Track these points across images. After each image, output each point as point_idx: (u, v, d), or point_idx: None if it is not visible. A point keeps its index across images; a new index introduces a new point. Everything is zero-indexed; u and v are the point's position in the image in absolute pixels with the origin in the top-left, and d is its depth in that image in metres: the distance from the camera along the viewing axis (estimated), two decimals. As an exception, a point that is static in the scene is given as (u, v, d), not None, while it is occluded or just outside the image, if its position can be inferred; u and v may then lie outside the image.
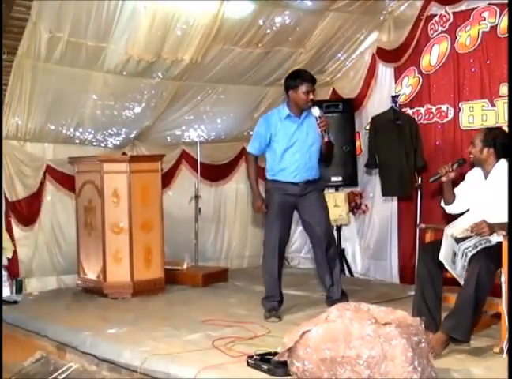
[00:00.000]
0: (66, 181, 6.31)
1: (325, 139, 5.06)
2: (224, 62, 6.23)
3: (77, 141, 6.29)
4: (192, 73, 6.14)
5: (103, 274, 5.86)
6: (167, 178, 6.88)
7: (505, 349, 4.01)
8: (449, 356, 4.02)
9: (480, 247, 4.18)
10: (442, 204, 4.66)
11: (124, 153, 6.62)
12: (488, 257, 4.07)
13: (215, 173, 7.31)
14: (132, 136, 6.57)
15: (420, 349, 3.38)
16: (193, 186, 6.89)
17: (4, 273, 5.91)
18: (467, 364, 3.86)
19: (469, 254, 4.15)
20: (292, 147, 5.07)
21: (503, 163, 4.41)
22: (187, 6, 5.47)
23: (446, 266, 4.12)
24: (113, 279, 5.86)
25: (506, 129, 4.98)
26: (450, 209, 4.61)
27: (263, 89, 6.89)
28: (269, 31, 6.09)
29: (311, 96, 5.02)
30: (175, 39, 5.66)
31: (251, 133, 6.98)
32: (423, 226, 4.70)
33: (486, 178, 4.46)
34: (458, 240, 4.20)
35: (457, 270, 4.15)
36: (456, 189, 4.61)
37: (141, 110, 6.24)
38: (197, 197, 6.87)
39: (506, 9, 5.71)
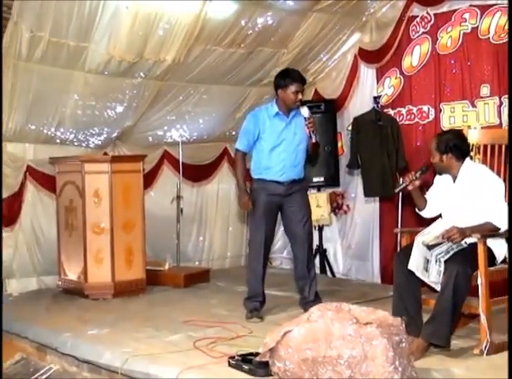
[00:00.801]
0: (47, 182, 6.27)
1: (313, 140, 5.05)
2: (206, 62, 6.22)
3: (58, 141, 6.25)
4: (174, 73, 6.12)
5: (84, 275, 5.82)
6: (149, 179, 6.86)
7: (485, 351, 4.03)
8: (429, 356, 4.03)
9: (452, 252, 4.16)
10: (417, 210, 4.68)
11: (105, 153, 6.58)
12: (464, 261, 4.06)
13: (197, 173, 7.30)
14: (113, 136, 6.54)
15: (401, 349, 3.39)
16: (175, 187, 6.86)
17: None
18: (447, 364, 3.88)
19: (443, 259, 4.14)
20: (280, 145, 5.06)
21: (469, 164, 4.41)
22: (169, 6, 5.45)
23: (418, 274, 4.11)
24: (94, 280, 5.83)
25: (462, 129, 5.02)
26: (425, 214, 4.63)
27: (245, 89, 6.89)
28: (251, 31, 6.09)
29: (300, 96, 5.02)
30: (157, 39, 5.64)
31: (234, 133, 7.02)
32: (397, 230, 4.71)
33: (454, 182, 4.45)
34: (430, 247, 4.19)
35: (431, 277, 4.13)
36: (427, 194, 4.62)
37: (123, 110, 6.21)
38: (178, 197, 6.85)
39: (488, 11, 5.77)
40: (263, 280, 5.18)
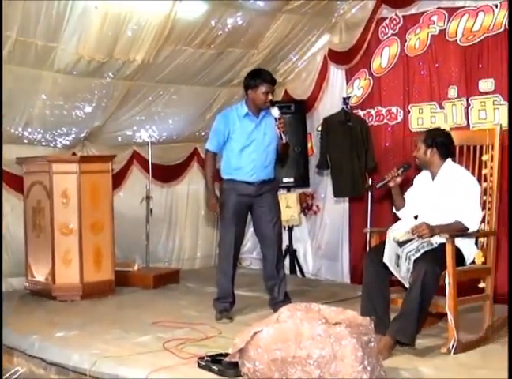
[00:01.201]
0: (14, 182, 6.19)
1: (284, 140, 5.05)
2: (176, 63, 6.19)
3: (26, 141, 6.18)
4: (144, 73, 6.09)
5: (52, 276, 5.76)
6: (118, 179, 6.81)
7: (452, 349, 4.08)
8: (398, 355, 4.07)
9: (422, 250, 4.20)
10: (394, 209, 4.71)
11: (74, 153, 6.53)
12: (433, 260, 4.11)
13: (167, 174, 7.27)
14: (82, 136, 6.49)
15: (370, 348, 3.41)
16: (145, 187, 6.82)
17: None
18: (416, 363, 3.92)
19: (413, 258, 4.18)
20: (250, 146, 5.05)
21: (449, 164, 4.47)
22: (139, 6, 5.42)
23: (391, 268, 4.16)
24: (62, 282, 5.77)
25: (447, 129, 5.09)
26: (402, 214, 4.66)
27: (216, 90, 6.87)
28: (221, 32, 6.08)
29: (270, 97, 5.02)
30: (126, 39, 5.60)
31: (203, 133, 7.00)
32: (367, 230, 4.75)
33: (433, 180, 4.52)
34: (400, 243, 4.23)
35: (402, 273, 4.18)
36: (406, 195, 4.66)
37: (92, 110, 6.16)
38: (148, 197, 6.81)
39: (456, 13, 5.83)
40: (233, 281, 5.18)
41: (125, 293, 6.13)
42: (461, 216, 4.28)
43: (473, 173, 4.56)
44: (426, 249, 4.21)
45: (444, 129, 4.73)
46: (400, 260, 4.20)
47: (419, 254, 4.18)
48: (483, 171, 4.57)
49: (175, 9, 5.56)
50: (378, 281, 4.27)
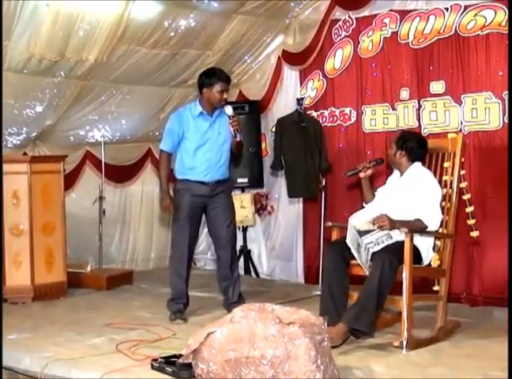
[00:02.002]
0: (-37, 183, 6.07)
1: (238, 138, 5.06)
2: (129, 63, 6.14)
3: (-25, 141, 6.07)
4: (97, 72, 6.02)
5: (2, 278, 5.66)
6: (71, 179, 6.74)
7: (404, 343, 4.14)
8: (350, 354, 4.11)
9: (381, 245, 4.30)
10: (364, 203, 4.81)
11: (25, 153, 6.42)
12: (392, 253, 4.21)
13: (120, 174, 7.21)
14: (33, 135, 6.39)
15: (323, 348, 3.43)
16: (98, 187, 6.76)
17: None
18: (368, 361, 3.96)
19: (371, 250, 4.28)
20: (204, 145, 5.04)
21: (417, 166, 4.60)
22: (92, 6, 5.36)
23: (352, 251, 4.27)
24: (12, 283, 5.66)
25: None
26: (369, 207, 4.74)
27: (170, 90, 6.84)
28: (175, 32, 6.05)
29: (225, 96, 5.02)
30: (79, 38, 5.53)
31: (157, 133, 6.96)
32: (329, 224, 4.80)
33: (400, 177, 4.65)
34: (361, 232, 4.33)
35: (362, 259, 4.29)
36: (377, 191, 4.79)
37: (43, 109, 6.06)
38: (101, 198, 6.75)
39: (407, 16, 5.91)
40: (187, 282, 5.16)
41: (77, 295, 6.06)
42: (422, 215, 4.39)
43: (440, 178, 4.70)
44: (385, 243, 4.30)
45: (419, 135, 4.88)
46: (360, 248, 4.30)
47: (378, 248, 4.28)
48: (444, 178, 4.69)
49: (129, 9, 5.51)
50: (337, 271, 4.37)
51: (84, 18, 5.39)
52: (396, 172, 4.73)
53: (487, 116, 5.51)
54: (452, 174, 4.65)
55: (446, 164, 4.69)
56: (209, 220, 5.23)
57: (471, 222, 4.85)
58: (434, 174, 4.67)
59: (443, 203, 4.63)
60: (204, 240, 7.41)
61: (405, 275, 4.19)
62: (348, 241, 4.27)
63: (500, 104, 5.42)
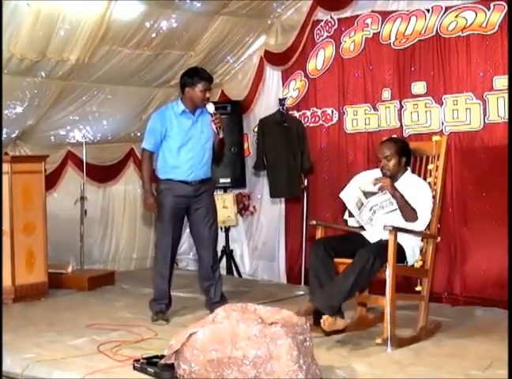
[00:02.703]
0: None
1: (220, 135, 5.03)
2: (112, 63, 6.11)
3: (-45, 141, 6.01)
4: (78, 73, 5.99)
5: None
6: (53, 179, 6.70)
7: (387, 341, 4.17)
8: (332, 353, 4.13)
9: (385, 209, 4.43)
10: (346, 216, 4.78)
11: (6, 153, 6.35)
12: (377, 252, 4.26)
13: (103, 174, 7.18)
14: (14, 135, 6.34)
15: (305, 348, 3.44)
16: (80, 187, 6.73)
17: None
18: (350, 361, 3.97)
19: (377, 212, 4.44)
20: (187, 144, 5.02)
21: (409, 173, 4.68)
22: (73, 5, 5.33)
23: (348, 206, 4.49)
24: (-7, 284, 5.64)
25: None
26: (351, 222, 4.78)
27: (152, 91, 6.82)
28: (158, 33, 6.03)
29: (208, 95, 5.01)
30: (60, 38, 5.49)
31: (139, 134, 6.94)
32: (314, 222, 4.80)
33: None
34: (366, 193, 4.45)
35: (362, 217, 4.48)
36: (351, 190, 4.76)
37: (24, 109, 6.02)
38: (82, 198, 6.71)
39: (389, 17, 5.94)
40: (170, 283, 5.15)
41: (59, 295, 6.02)
42: (416, 207, 4.46)
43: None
44: (388, 209, 4.43)
45: (400, 138, 4.94)
46: (363, 207, 4.46)
47: (382, 211, 4.44)
48: (428, 180, 4.72)
49: (111, 10, 5.48)
50: (324, 264, 4.40)
51: (65, 18, 5.36)
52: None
53: (467, 117, 5.54)
54: (436, 176, 4.69)
55: (430, 166, 4.73)
56: (192, 221, 5.21)
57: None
58: (418, 176, 4.75)
59: None
60: (186, 240, 7.39)
61: (388, 272, 4.22)
62: (345, 196, 4.46)
63: (481, 105, 5.46)
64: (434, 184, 4.69)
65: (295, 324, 3.48)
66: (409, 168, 4.71)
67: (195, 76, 5.02)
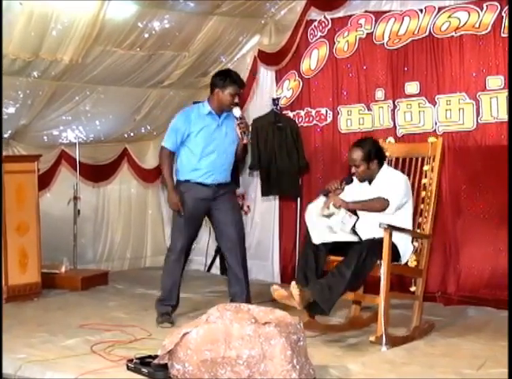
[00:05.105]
0: None
1: (245, 140, 4.99)
2: (105, 64, 6.08)
3: None
4: (72, 73, 5.96)
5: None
6: (47, 179, 6.69)
7: (382, 340, 4.18)
8: (326, 353, 4.13)
9: (348, 224, 4.47)
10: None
11: (-2, 153, 6.36)
12: (371, 248, 4.28)
13: (97, 173, 7.17)
14: (7, 135, 6.32)
15: (299, 347, 3.44)
16: (73, 187, 6.71)
17: None
18: (343, 360, 3.99)
19: (347, 224, 4.47)
20: (210, 146, 4.95)
21: (386, 168, 4.68)
22: (67, 5, 5.31)
23: (327, 239, 4.44)
24: (-15, 284, 5.62)
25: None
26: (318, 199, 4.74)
27: (145, 91, 6.79)
28: (152, 33, 6.01)
29: (237, 100, 4.95)
30: (53, 38, 5.47)
31: (132, 134, 6.94)
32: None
33: (370, 184, 4.67)
34: (328, 216, 4.47)
35: (340, 234, 4.47)
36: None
37: (17, 109, 6.00)
38: (75, 198, 6.70)
39: (382, 17, 5.94)
40: (179, 284, 5.08)
41: (52, 295, 6.01)
42: (385, 194, 4.47)
43: (414, 182, 4.78)
44: (351, 222, 4.47)
45: (369, 137, 4.92)
46: (333, 229, 4.47)
47: (348, 226, 4.47)
48: (423, 181, 4.75)
49: (104, 10, 5.46)
50: (315, 253, 4.43)
51: (58, 18, 5.34)
52: (356, 180, 4.73)
53: (461, 117, 5.56)
54: (431, 177, 4.71)
55: (425, 167, 4.76)
56: (215, 223, 5.13)
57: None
58: (414, 178, 4.77)
59: (421, 205, 4.74)
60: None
61: (383, 270, 4.24)
62: (317, 239, 4.40)
63: (474, 105, 5.47)
64: (430, 185, 4.71)
65: (289, 324, 3.48)
66: (385, 164, 4.70)
67: (227, 78, 4.94)
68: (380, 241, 4.29)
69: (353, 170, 4.63)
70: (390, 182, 4.53)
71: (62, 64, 5.74)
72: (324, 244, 4.44)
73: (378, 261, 4.27)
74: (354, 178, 4.69)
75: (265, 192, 6.65)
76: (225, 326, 3.41)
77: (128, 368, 3.77)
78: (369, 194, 4.57)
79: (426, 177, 4.74)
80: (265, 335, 3.35)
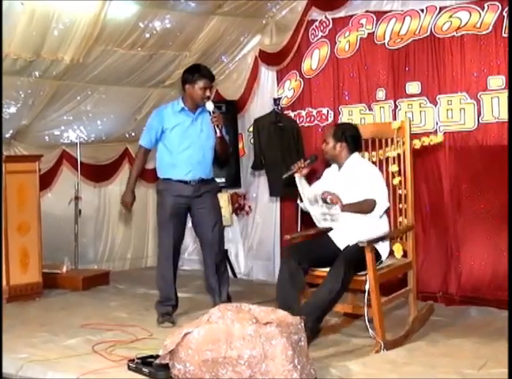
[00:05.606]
0: None
1: (218, 133, 4.96)
2: (106, 64, 6.09)
3: (-51, 140, 5.99)
4: (73, 73, 5.97)
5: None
6: (48, 179, 6.70)
7: (381, 351, 4.16)
8: (327, 353, 4.13)
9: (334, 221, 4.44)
10: (298, 201, 4.75)
11: (-1, 153, 6.37)
12: (350, 263, 4.22)
13: (99, 173, 7.17)
14: (8, 135, 6.33)
15: (300, 347, 3.45)
16: (74, 187, 6.72)
17: None
18: (344, 361, 3.98)
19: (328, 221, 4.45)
20: (185, 142, 4.97)
21: (356, 157, 4.65)
22: (68, 5, 5.31)
23: (302, 194, 4.47)
24: (-13, 284, 5.63)
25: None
26: (305, 206, 4.70)
27: (147, 91, 6.80)
28: (153, 33, 6.02)
29: (208, 93, 4.95)
30: (55, 38, 5.47)
31: (134, 134, 6.93)
32: (288, 237, 4.80)
33: (339, 170, 4.68)
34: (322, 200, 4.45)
35: (313, 212, 4.47)
36: (312, 186, 4.75)
37: (18, 109, 6.00)
38: (77, 198, 6.70)
39: (383, 17, 5.94)
40: (174, 283, 5.09)
41: (53, 295, 6.02)
42: (371, 194, 4.43)
43: (382, 168, 4.81)
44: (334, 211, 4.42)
45: (353, 124, 4.90)
46: (316, 204, 4.48)
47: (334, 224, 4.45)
48: (392, 168, 4.79)
49: (105, 10, 5.47)
50: (292, 277, 4.35)
51: (59, 18, 5.34)
52: (334, 166, 4.75)
53: (462, 117, 5.55)
54: (404, 163, 4.74)
55: (393, 153, 4.78)
56: (195, 222, 5.15)
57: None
58: (386, 164, 4.80)
59: (399, 191, 4.75)
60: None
61: (370, 286, 4.16)
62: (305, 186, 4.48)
63: (475, 105, 5.47)
64: (404, 173, 4.75)
65: (290, 324, 3.49)
66: (357, 153, 4.68)
67: (196, 72, 4.97)
68: (356, 249, 4.20)
69: (323, 146, 4.66)
70: (373, 185, 4.47)
71: (63, 64, 5.74)
72: (301, 262, 4.36)
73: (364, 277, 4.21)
74: (332, 166, 4.73)
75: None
76: (226, 326, 3.41)
77: (129, 368, 3.78)
78: (340, 183, 4.55)
79: (394, 162, 4.77)
80: (266, 335, 3.35)
